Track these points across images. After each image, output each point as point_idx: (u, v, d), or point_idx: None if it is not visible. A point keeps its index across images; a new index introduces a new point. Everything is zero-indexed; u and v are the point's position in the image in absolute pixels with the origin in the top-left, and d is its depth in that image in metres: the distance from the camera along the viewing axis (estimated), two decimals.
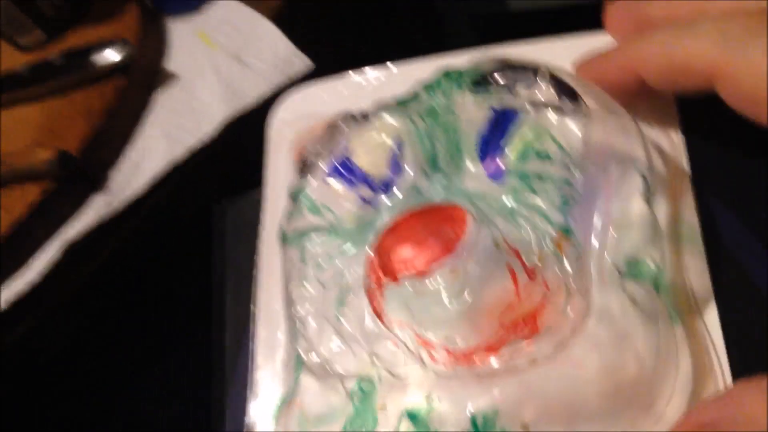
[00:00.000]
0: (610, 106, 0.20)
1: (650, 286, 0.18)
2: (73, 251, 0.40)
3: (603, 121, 0.19)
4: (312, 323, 0.20)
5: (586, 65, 0.21)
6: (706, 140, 0.21)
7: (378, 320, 0.19)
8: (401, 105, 0.22)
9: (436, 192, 0.21)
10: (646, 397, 0.17)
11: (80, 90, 0.44)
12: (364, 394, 0.19)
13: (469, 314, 0.18)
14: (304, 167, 0.22)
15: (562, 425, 0.17)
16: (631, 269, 0.18)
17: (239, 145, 0.43)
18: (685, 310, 0.18)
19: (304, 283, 0.20)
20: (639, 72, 0.20)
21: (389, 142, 0.21)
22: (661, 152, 0.20)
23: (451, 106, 0.21)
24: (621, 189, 0.18)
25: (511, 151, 0.20)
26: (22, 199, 0.40)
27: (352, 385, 0.19)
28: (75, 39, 0.48)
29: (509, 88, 0.20)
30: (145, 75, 0.45)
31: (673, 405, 0.17)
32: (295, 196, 0.22)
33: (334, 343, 0.19)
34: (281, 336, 0.22)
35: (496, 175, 0.20)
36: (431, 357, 0.18)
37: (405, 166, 0.21)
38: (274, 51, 0.43)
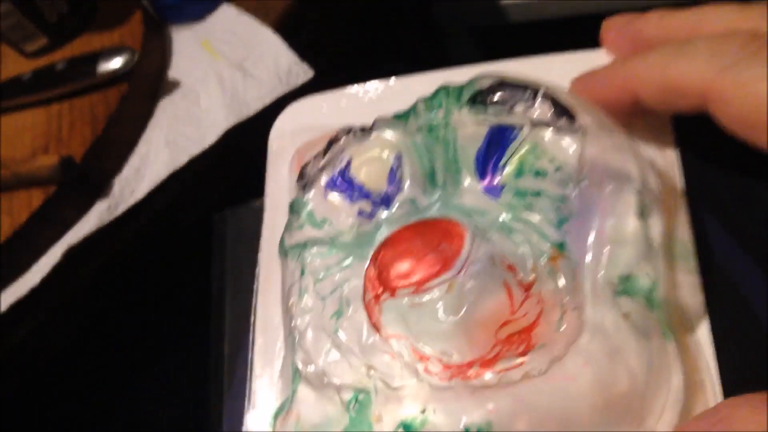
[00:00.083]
0: (605, 124, 0.20)
1: (643, 302, 0.18)
2: (73, 255, 0.40)
3: (598, 139, 0.20)
4: (310, 335, 0.20)
5: (583, 83, 0.21)
6: (701, 157, 0.21)
7: (375, 333, 0.19)
8: (401, 120, 0.22)
9: (434, 207, 0.21)
10: (637, 411, 0.17)
11: (84, 96, 0.44)
12: (361, 405, 0.19)
13: (465, 328, 0.18)
14: (305, 180, 0.23)
15: None
16: (624, 285, 0.18)
17: (241, 154, 0.43)
18: (678, 327, 0.19)
19: (303, 295, 0.21)
20: (634, 91, 0.20)
21: (389, 156, 0.22)
22: (655, 169, 0.20)
23: (449, 122, 0.21)
24: (616, 206, 0.19)
25: (508, 168, 0.20)
26: (26, 203, 0.41)
27: (348, 396, 0.19)
28: (79, 46, 0.49)
29: (507, 105, 0.20)
30: (149, 83, 0.45)
31: (664, 420, 0.17)
32: (295, 209, 0.22)
33: (332, 355, 0.20)
34: (279, 346, 0.22)
35: (493, 192, 0.21)
36: (427, 370, 0.18)
37: (404, 181, 0.21)
38: (276, 60, 0.43)
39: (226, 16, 0.48)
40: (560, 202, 0.19)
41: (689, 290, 0.19)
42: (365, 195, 0.22)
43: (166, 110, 0.44)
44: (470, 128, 0.21)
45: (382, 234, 0.21)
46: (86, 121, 0.43)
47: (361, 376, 0.19)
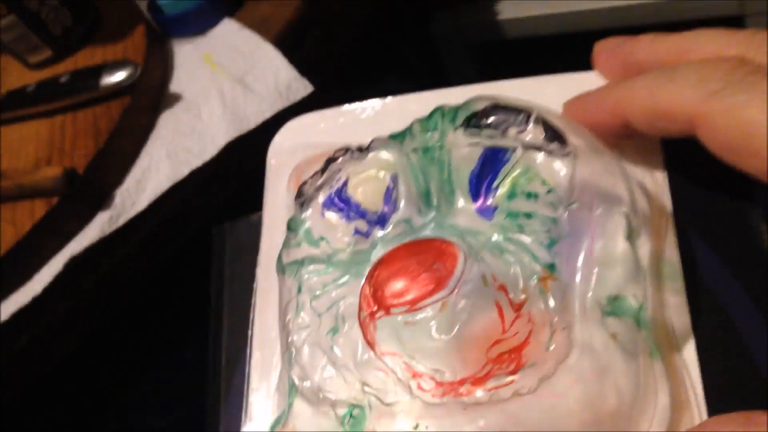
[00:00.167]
0: (596, 146, 0.21)
1: (632, 322, 0.19)
2: (75, 265, 0.40)
3: (589, 162, 0.20)
4: (306, 351, 0.21)
5: (575, 106, 0.22)
6: (689, 179, 0.22)
7: (370, 350, 0.20)
8: (397, 140, 0.23)
9: (428, 227, 0.21)
10: (625, 429, 0.18)
11: (87, 109, 0.45)
12: (355, 420, 0.19)
13: (457, 347, 0.19)
14: (303, 198, 0.23)
15: None
16: (613, 306, 0.19)
17: (240, 168, 0.44)
18: (665, 346, 0.19)
19: (300, 311, 0.21)
20: (624, 116, 0.20)
21: (385, 177, 0.22)
22: (645, 191, 0.21)
23: (444, 144, 0.22)
24: (605, 228, 0.19)
25: (501, 190, 0.21)
26: (29, 214, 0.41)
27: (343, 411, 0.19)
28: (83, 59, 0.49)
29: (500, 128, 0.21)
30: (151, 96, 0.46)
31: None
32: (292, 227, 0.23)
33: (327, 371, 0.20)
34: (276, 360, 0.23)
35: (486, 213, 0.21)
36: (420, 387, 0.19)
37: (399, 201, 0.22)
38: (277, 75, 0.44)
39: (227, 30, 0.49)
40: (551, 223, 0.20)
41: (676, 310, 0.20)
42: (361, 214, 0.22)
43: (167, 123, 0.45)
44: (464, 150, 0.21)
45: (378, 253, 0.21)
46: (89, 133, 0.43)
47: (356, 391, 0.20)
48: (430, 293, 0.19)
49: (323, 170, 0.23)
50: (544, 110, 0.21)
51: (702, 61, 0.20)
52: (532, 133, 0.21)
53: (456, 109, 0.22)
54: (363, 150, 0.23)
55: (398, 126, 0.23)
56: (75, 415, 0.49)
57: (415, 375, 0.19)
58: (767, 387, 0.18)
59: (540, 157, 0.20)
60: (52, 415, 0.48)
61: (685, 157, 0.21)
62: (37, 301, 0.40)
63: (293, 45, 0.47)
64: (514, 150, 0.21)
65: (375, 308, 0.20)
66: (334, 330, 0.21)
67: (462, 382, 0.18)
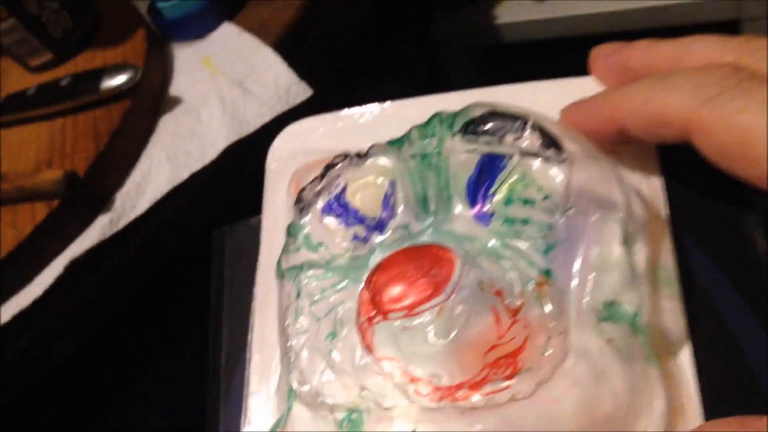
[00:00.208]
0: (592, 153, 0.21)
1: (627, 327, 0.19)
2: (76, 267, 0.41)
3: (585, 168, 0.20)
4: (305, 355, 0.21)
5: (571, 113, 0.22)
6: (685, 185, 0.22)
7: (368, 354, 0.20)
8: (395, 146, 0.23)
9: (426, 233, 0.22)
10: None
11: (87, 112, 0.45)
12: (353, 424, 0.19)
13: (454, 352, 0.19)
14: (302, 204, 0.23)
15: None
16: (609, 311, 0.19)
17: (240, 171, 0.44)
18: (661, 351, 0.19)
19: (299, 316, 0.21)
20: (620, 122, 0.21)
21: (383, 183, 0.22)
22: (640, 197, 0.21)
23: (441, 150, 0.22)
24: (601, 234, 0.19)
25: (498, 196, 0.21)
26: (29, 216, 0.41)
27: (341, 415, 0.20)
28: (83, 62, 0.50)
29: (497, 135, 0.21)
30: (151, 99, 0.46)
31: None
32: (292, 232, 0.23)
33: (326, 375, 0.20)
34: (276, 363, 0.23)
35: (483, 219, 0.21)
36: (417, 391, 0.19)
37: (397, 206, 0.22)
38: (276, 79, 0.44)
39: (227, 34, 0.49)
40: (547, 229, 0.20)
41: (672, 316, 0.20)
42: (360, 220, 0.22)
43: (167, 126, 0.45)
44: (462, 156, 0.22)
45: (376, 258, 0.21)
46: (89, 136, 0.44)
47: (354, 396, 0.20)
48: (428, 298, 0.19)
49: (322, 176, 0.23)
50: (541, 117, 0.21)
51: (697, 67, 0.20)
52: (529, 139, 0.21)
53: (454, 116, 0.22)
54: (361, 156, 0.23)
55: (396, 131, 0.23)
56: (75, 415, 0.50)
57: (413, 379, 0.19)
58: (763, 392, 0.19)
59: (536, 163, 0.21)
60: (52, 415, 0.48)
61: (680, 163, 0.21)
62: (37, 303, 0.40)
63: (293, 46, 0.47)
64: (510, 156, 0.21)
65: (373, 313, 0.20)
66: (333, 334, 0.21)
67: (459, 387, 0.19)
